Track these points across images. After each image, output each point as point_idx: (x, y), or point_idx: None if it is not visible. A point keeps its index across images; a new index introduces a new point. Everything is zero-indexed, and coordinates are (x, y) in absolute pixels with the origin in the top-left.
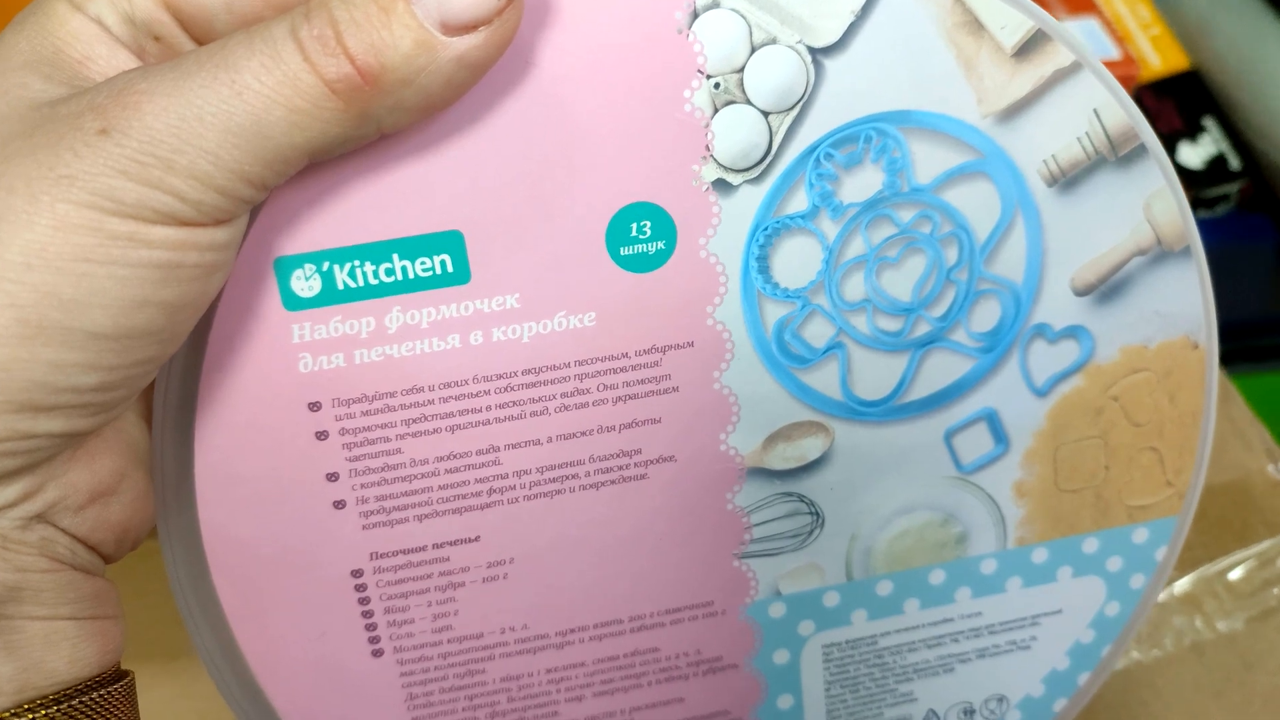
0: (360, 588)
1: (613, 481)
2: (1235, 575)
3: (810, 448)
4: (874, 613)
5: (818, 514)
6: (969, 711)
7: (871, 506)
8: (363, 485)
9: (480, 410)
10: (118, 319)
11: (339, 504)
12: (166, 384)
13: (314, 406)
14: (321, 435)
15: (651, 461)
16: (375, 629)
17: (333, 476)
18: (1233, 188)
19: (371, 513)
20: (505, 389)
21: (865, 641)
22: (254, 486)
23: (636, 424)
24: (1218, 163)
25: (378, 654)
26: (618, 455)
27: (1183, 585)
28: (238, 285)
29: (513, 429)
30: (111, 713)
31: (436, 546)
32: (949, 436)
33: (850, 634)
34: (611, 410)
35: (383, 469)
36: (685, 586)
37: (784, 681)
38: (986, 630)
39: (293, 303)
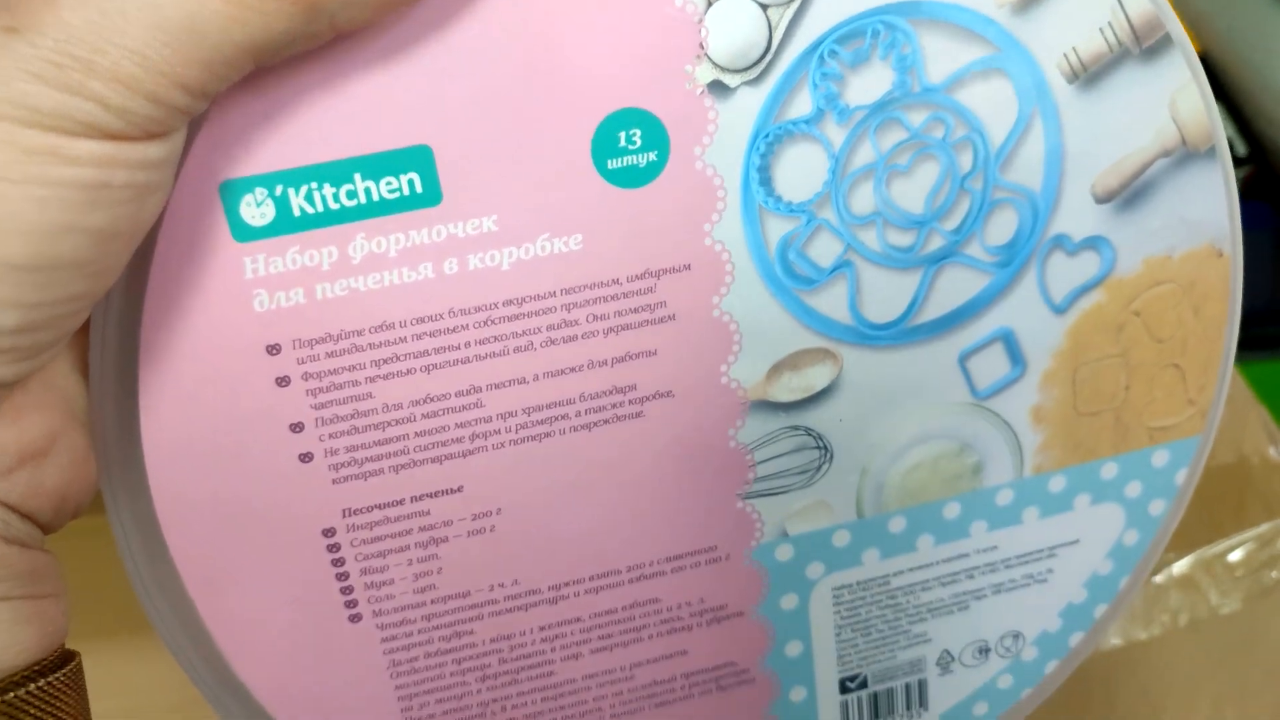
0: (333, 548)
1: (606, 421)
2: (1234, 557)
3: (817, 377)
4: (886, 551)
5: (826, 448)
6: (984, 650)
7: (883, 438)
8: (331, 435)
9: (458, 347)
10: (38, 248)
11: (305, 457)
12: (104, 329)
13: (273, 349)
14: (282, 381)
15: (647, 398)
16: (351, 592)
17: (297, 427)
18: (1239, 173)
19: (342, 465)
20: (485, 323)
21: (877, 582)
22: (208, 442)
23: (630, 357)
24: None
25: (355, 619)
26: (611, 392)
27: (1181, 566)
28: (179, 214)
29: (495, 367)
30: (54, 702)
31: (415, 499)
32: (963, 359)
33: (861, 575)
34: (602, 343)
35: (352, 416)
36: (686, 531)
37: (792, 627)
38: (1002, 564)
39: (243, 233)
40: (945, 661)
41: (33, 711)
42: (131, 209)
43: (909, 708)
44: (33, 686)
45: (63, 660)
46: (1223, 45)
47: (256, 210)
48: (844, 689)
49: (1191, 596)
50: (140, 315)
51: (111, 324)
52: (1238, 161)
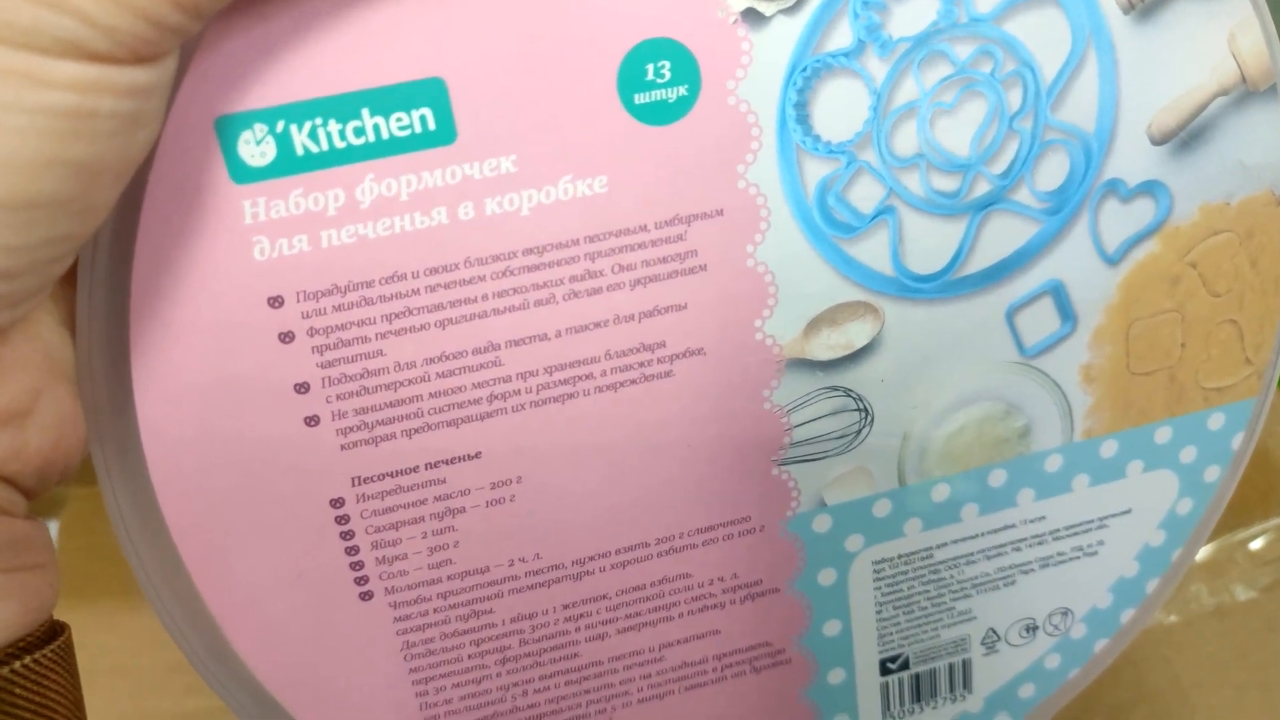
0: (342, 519)
1: (633, 381)
2: (1257, 545)
3: (858, 333)
4: (929, 522)
5: (867, 410)
6: (1031, 628)
7: (926, 400)
8: (339, 396)
9: (475, 300)
10: (16, 183)
11: (311, 420)
12: (91, 279)
13: (275, 302)
14: (286, 337)
15: (677, 356)
16: (362, 568)
17: (302, 387)
18: None
19: (351, 429)
20: (503, 273)
21: (919, 555)
22: (206, 404)
23: (659, 311)
24: None
25: (366, 597)
26: (638, 349)
27: (1205, 553)
28: (172, 152)
29: (514, 322)
30: (41, 680)
31: (430, 466)
32: (1011, 315)
33: (903, 547)
34: (629, 296)
35: (362, 375)
36: (718, 501)
37: (830, 604)
38: (1051, 536)
39: (242, 174)
40: (991, 640)
41: (18, 690)
42: (119, 142)
43: (952, 690)
44: (17, 664)
45: (50, 634)
46: None
47: (256, 149)
48: (884, 670)
49: (1214, 584)
50: (130, 264)
51: (99, 274)
52: None
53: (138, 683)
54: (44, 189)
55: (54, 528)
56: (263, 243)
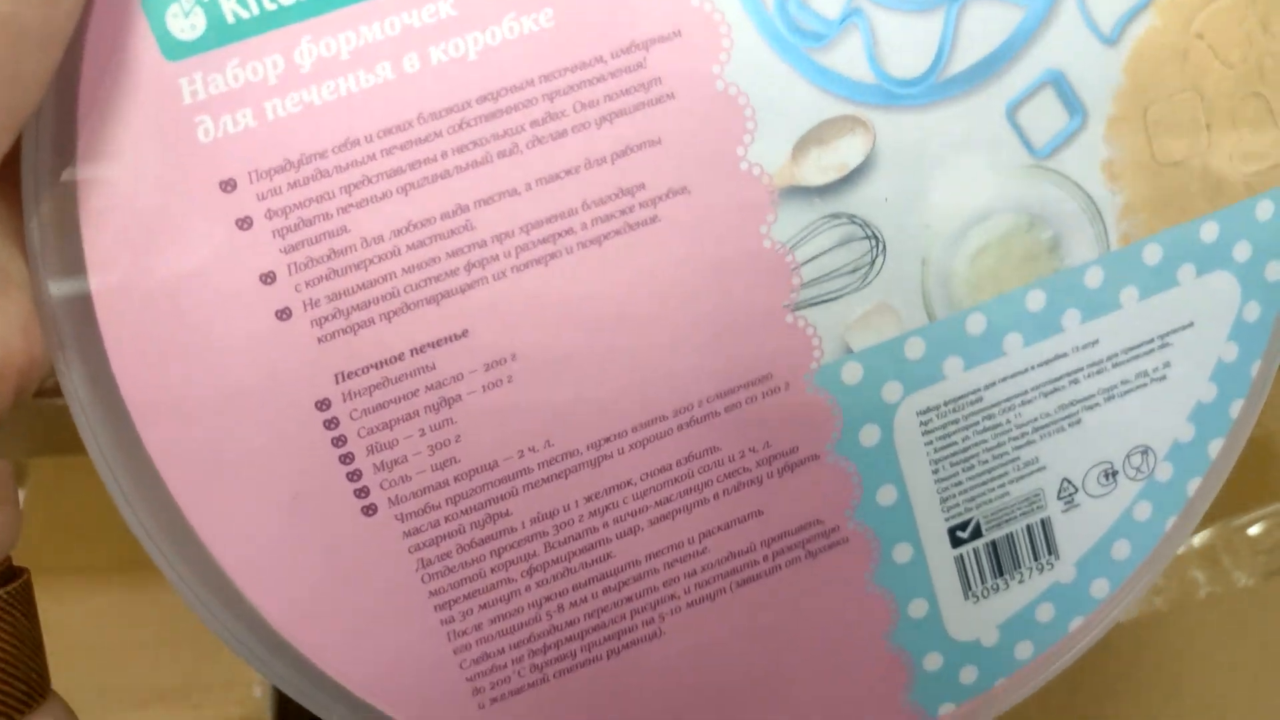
0: (331, 424)
1: (617, 232)
2: (1254, 531)
3: (850, 150)
4: (970, 359)
5: (876, 237)
6: (1110, 473)
7: (938, 219)
8: (308, 284)
9: (435, 159)
10: None
11: (283, 314)
12: (35, 184)
13: (227, 186)
14: (244, 223)
15: (660, 198)
16: (360, 477)
17: (268, 277)
18: None
19: (326, 319)
20: (460, 125)
21: (967, 399)
22: (171, 308)
23: (631, 150)
24: None
25: (369, 511)
26: (617, 195)
27: (1201, 539)
28: (101, 34)
29: (480, 179)
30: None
31: (416, 352)
32: (1012, 113)
33: (947, 391)
34: (597, 135)
35: (329, 257)
36: (733, 359)
37: (879, 468)
38: (1109, 363)
39: (174, 50)
40: (1068, 493)
41: None
42: (40, 12)
43: (1036, 557)
44: None
45: (9, 576)
46: None
47: (185, 21)
48: (955, 540)
49: (1211, 569)
50: (74, 160)
51: (42, 174)
52: None
53: (103, 660)
54: None
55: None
56: (206, 123)
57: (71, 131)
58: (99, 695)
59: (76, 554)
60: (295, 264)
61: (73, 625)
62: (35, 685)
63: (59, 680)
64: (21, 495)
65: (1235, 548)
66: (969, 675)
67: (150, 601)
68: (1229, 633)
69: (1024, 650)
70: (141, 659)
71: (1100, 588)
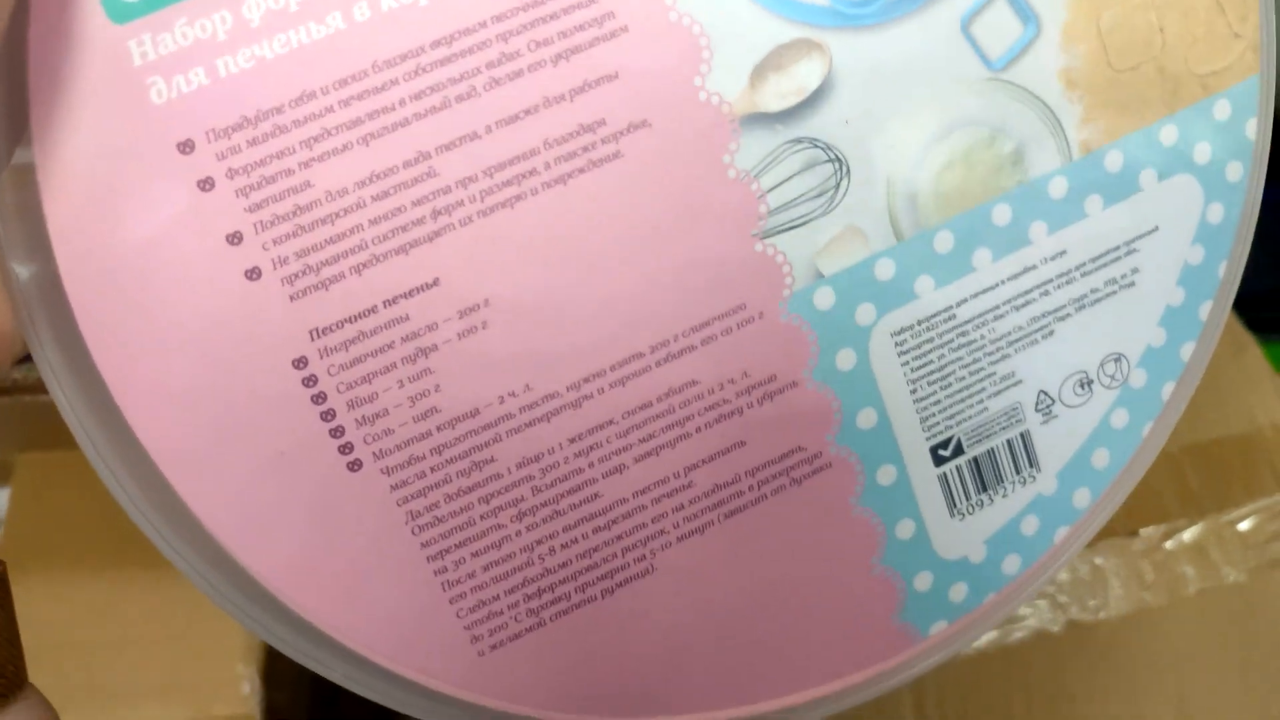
0: (309, 381)
1: (581, 170)
2: (1244, 526)
3: (808, 74)
4: (941, 277)
5: (840, 160)
6: (1085, 383)
7: (900, 137)
8: (275, 241)
9: (393, 108)
10: None
11: (252, 273)
12: None
13: (185, 147)
14: (205, 184)
15: (621, 133)
16: (343, 433)
17: (235, 238)
18: None
19: (296, 276)
20: (415, 72)
21: (941, 317)
22: (137, 274)
23: (589, 86)
24: None
25: (354, 466)
26: (578, 133)
27: (1191, 534)
28: (44, 6)
29: (439, 124)
30: None
31: (389, 303)
32: (966, 26)
33: (920, 310)
34: (554, 74)
35: (294, 213)
36: (705, 290)
37: (858, 391)
38: (1078, 272)
39: (119, 12)
40: (1045, 405)
41: None
42: None
43: (1018, 471)
44: None
45: None
46: None
47: None
48: (938, 459)
49: (1200, 565)
50: (29, 132)
51: (1, 149)
52: None
53: (89, 656)
54: None
55: (3, 496)
56: (158, 84)
57: (23, 104)
58: (87, 693)
59: (64, 550)
60: (261, 222)
61: (60, 622)
62: (11, 679)
63: (47, 677)
64: (7, 492)
65: (1225, 543)
66: (959, 593)
67: (138, 598)
68: (1219, 628)
69: (1011, 564)
70: (130, 656)
71: (1082, 497)
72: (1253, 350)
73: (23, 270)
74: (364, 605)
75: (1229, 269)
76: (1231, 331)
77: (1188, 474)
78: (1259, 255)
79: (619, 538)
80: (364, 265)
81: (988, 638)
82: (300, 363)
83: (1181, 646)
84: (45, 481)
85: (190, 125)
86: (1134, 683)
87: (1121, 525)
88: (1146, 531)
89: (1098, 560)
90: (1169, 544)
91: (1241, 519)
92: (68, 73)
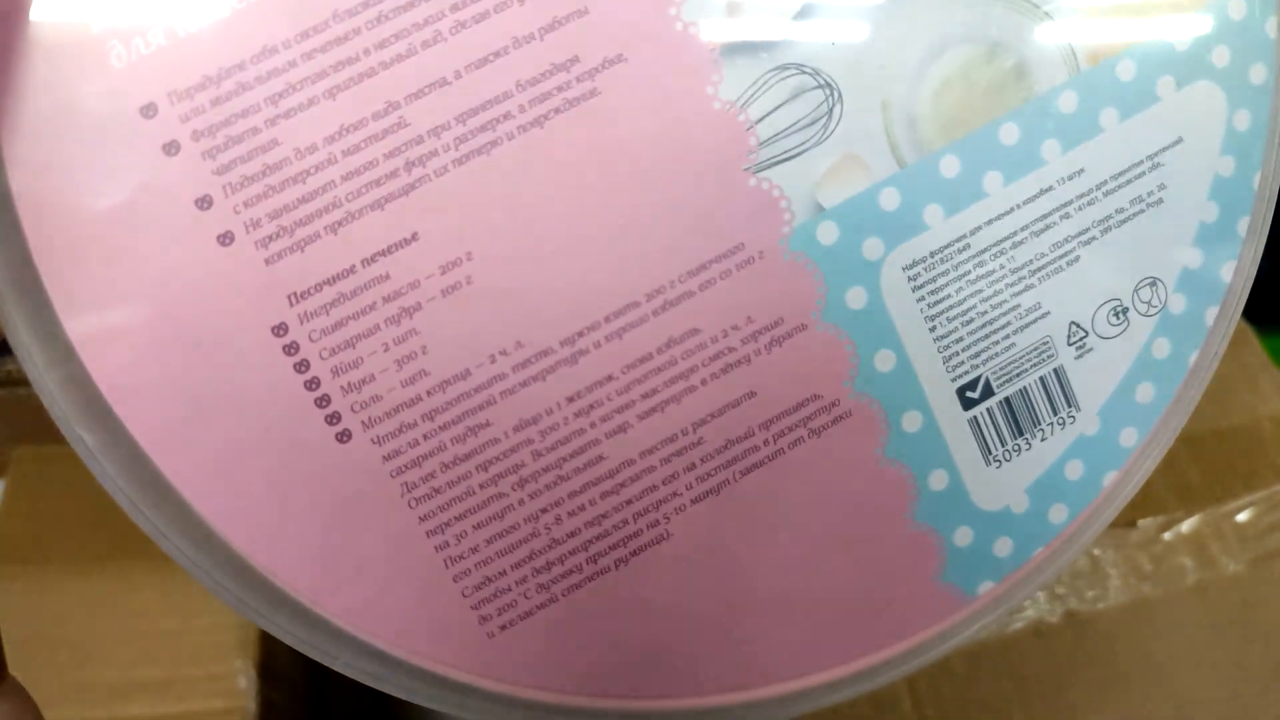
0: (291, 349)
1: (557, 110)
2: (1242, 518)
3: None
4: (950, 205)
5: (830, 85)
6: (1120, 311)
7: (891, 56)
8: (246, 204)
9: (357, 58)
10: None
11: (225, 238)
12: None
13: (148, 111)
14: (170, 149)
15: (597, 69)
16: (329, 402)
17: (204, 202)
18: None
19: (270, 239)
20: (378, 20)
21: (954, 247)
22: (107, 244)
23: (558, 23)
24: None
25: (343, 438)
26: (551, 71)
27: (1190, 525)
28: None
29: (406, 72)
30: None
31: (368, 262)
32: None
33: (931, 242)
34: (520, 13)
35: (264, 173)
36: (701, 232)
37: (872, 332)
38: (1099, 191)
39: None
40: (1078, 337)
41: None
42: None
43: (1055, 412)
44: None
45: None
46: None
47: None
48: (966, 402)
49: (1199, 557)
50: None
51: None
52: None
53: (83, 652)
54: None
55: None
56: (117, 47)
57: None
58: (82, 687)
59: (58, 544)
60: (230, 185)
61: (55, 616)
62: None
63: (42, 672)
64: (1, 486)
65: (1224, 534)
66: (1004, 548)
67: (133, 593)
68: (1217, 619)
69: (1058, 514)
70: (125, 650)
71: (1129, 436)
72: (1251, 343)
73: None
74: (365, 588)
75: (1263, 180)
76: None
77: (1186, 466)
78: None
79: (628, 502)
80: (339, 223)
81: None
82: (280, 330)
83: (1180, 637)
84: (39, 475)
85: (151, 88)
86: (1132, 674)
87: (1120, 517)
88: (1145, 523)
89: (1096, 552)
90: (1167, 535)
91: (1240, 510)
92: (25, 40)
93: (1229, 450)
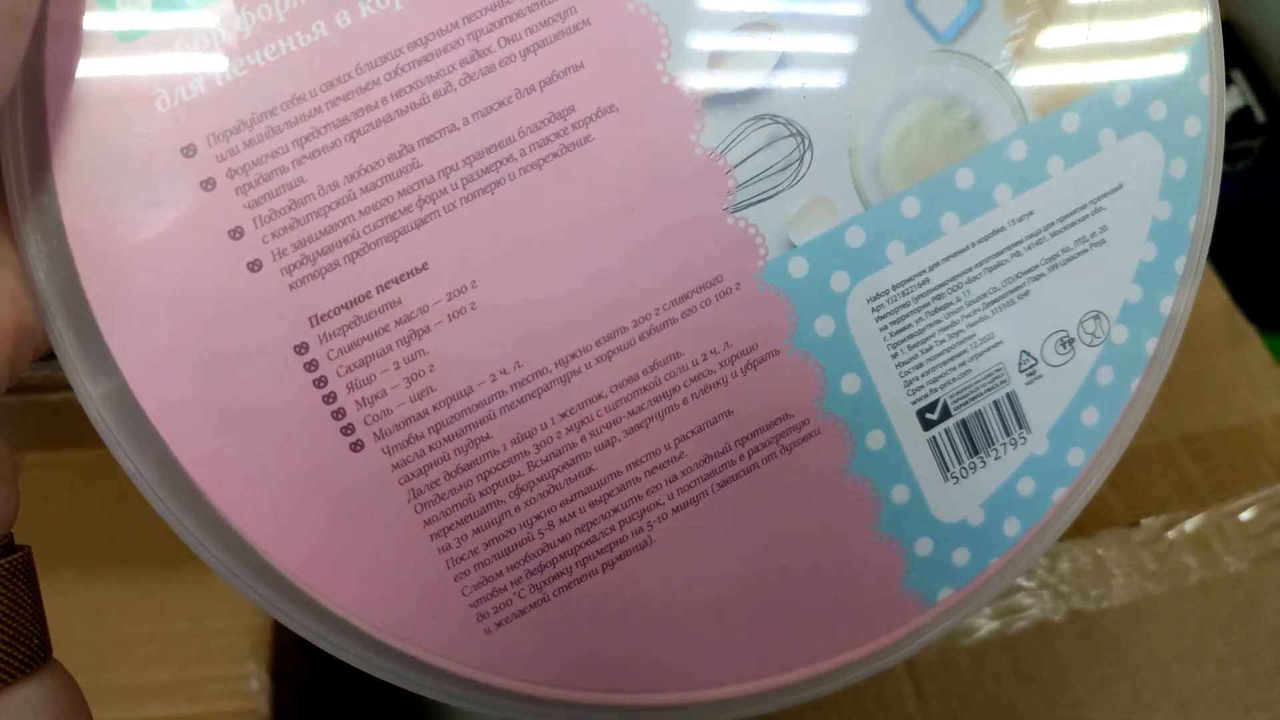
0: (311, 366)
1: (554, 154)
2: (1245, 516)
3: (763, 54)
4: (911, 242)
5: (801, 133)
6: (1066, 341)
7: (857, 108)
8: (274, 235)
9: (376, 105)
10: None
11: (254, 265)
12: (14, 160)
13: (188, 151)
14: (208, 185)
15: (591, 118)
16: (344, 415)
17: (236, 233)
18: (1256, 142)
19: (295, 266)
20: (395, 72)
21: (914, 281)
22: (149, 267)
23: (557, 76)
24: (1243, 115)
25: (357, 447)
26: (549, 119)
27: (1193, 524)
28: (60, 23)
29: (420, 119)
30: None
31: (382, 289)
32: (912, 3)
33: (893, 276)
34: (523, 67)
35: (290, 208)
36: (681, 264)
37: (839, 357)
38: (1047, 232)
39: (126, 34)
40: (1028, 365)
41: None
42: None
43: (1008, 433)
44: None
45: (7, 551)
46: (1247, 11)
47: (132, 2)
48: (925, 423)
49: (1202, 555)
50: (46, 143)
51: (20, 156)
52: (1257, 129)
53: (94, 655)
54: None
55: None
56: (162, 94)
57: (41, 112)
58: (95, 691)
59: (71, 548)
60: (260, 218)
61: (69, 619)
62: (36, 651)
63: None
64: None
65: (1226, 533)
66: (961, 557)
67: (145, 597)
68: (1221, 617)
69: (1012, 526)
70: (138, 653)
71: (1076, 456)
72: (1253, 342)
73: (43, 270)
74: (373, 586)
75: (1198, 223)
76: (1232, 323)
77: (1188, 465)
78: (1260, 247)
79: (615, 510)
80: (357, 253)
81: (989, 627)
82: (301, 348)
83: (1184, 635)
84: (52, 481)
85: (192, 131)
86: (1136, 672)
87: (1123, 516)
88: (1148, 522)
89: (1099, 551)
90: (1170, 534)
91: (1242, 509)
92: (81, 88)
93: (1231, 449)
